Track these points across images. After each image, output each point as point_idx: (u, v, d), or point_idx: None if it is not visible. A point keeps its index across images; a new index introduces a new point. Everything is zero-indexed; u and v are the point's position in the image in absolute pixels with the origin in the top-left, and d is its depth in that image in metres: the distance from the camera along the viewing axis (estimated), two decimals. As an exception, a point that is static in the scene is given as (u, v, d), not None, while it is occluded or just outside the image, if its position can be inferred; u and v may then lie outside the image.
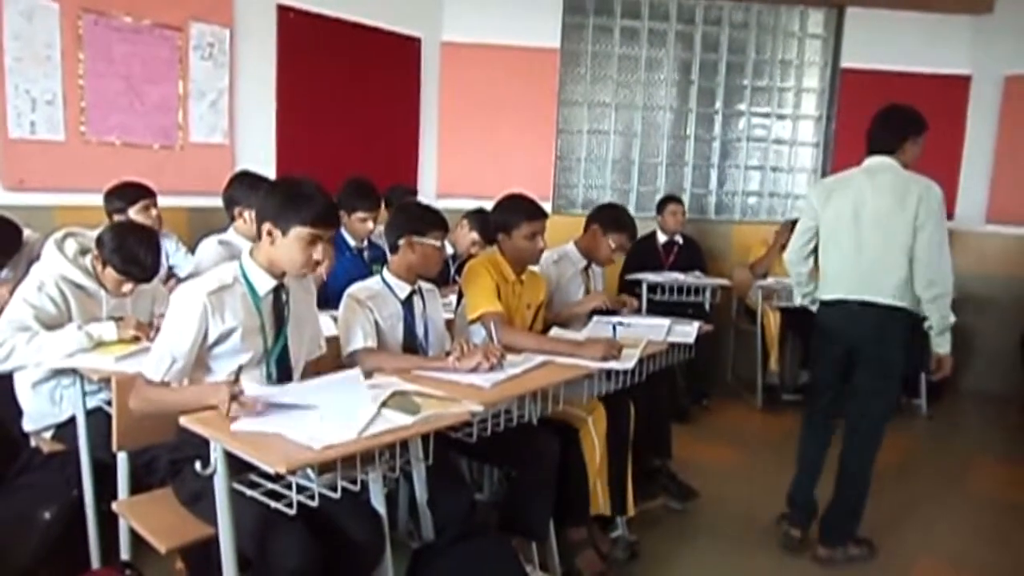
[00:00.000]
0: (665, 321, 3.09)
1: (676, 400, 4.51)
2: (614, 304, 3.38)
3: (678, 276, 4.80)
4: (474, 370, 2.20)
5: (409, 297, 2.49)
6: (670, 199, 5.11)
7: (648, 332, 2.93)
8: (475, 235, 3.74)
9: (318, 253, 1.96)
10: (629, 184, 5.65)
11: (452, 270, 3.85)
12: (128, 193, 3.18)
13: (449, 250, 3.85)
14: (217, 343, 1.93)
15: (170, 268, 3.51)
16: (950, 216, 5.29)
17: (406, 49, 5.04)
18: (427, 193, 5.25)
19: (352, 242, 3.49)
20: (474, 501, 2.26)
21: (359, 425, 1.67)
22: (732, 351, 5.43)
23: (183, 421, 1.70)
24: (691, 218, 5.37)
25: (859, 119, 5.62)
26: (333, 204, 2.00)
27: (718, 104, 5.60)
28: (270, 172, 4.31)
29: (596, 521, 2.79)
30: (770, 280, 4.93)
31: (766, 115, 5.66)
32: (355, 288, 2.43)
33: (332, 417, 1.71)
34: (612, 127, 5.55)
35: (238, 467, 1.66)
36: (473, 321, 2.66)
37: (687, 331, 3.02)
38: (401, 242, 2.47)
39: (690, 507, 3.24)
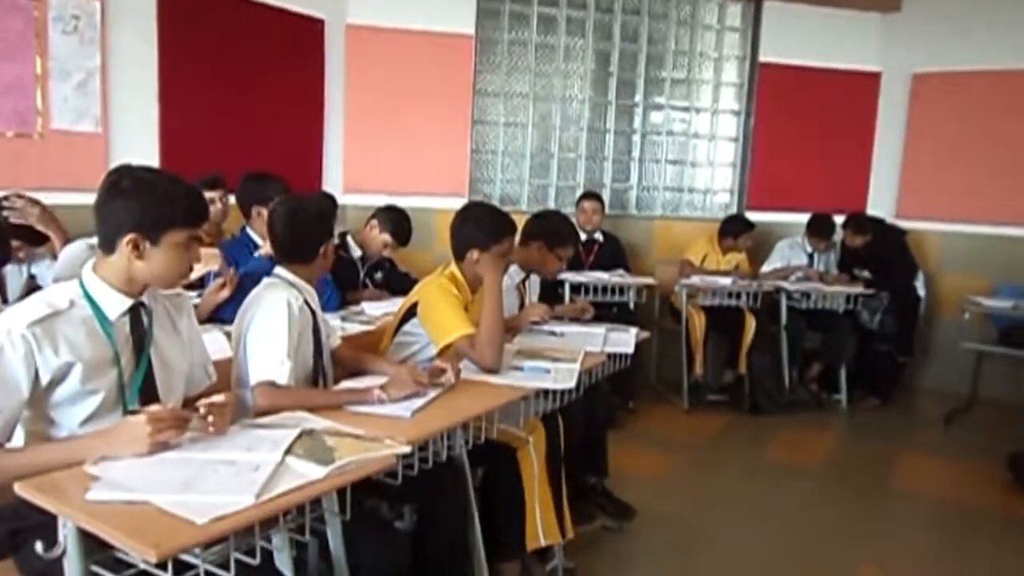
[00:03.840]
0: (600, 329, 2.86)
1: (609, 407, 4.31)
2: (572, 313, 3.13)
3: (601, 275, 4.60)
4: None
5: (315, 308, 2.14)
6: (585, 196, 4.91)
7: (584, 342, 2.68)
8: (387, 236, 3.39)
9: (195, 256, 1.64)
10: (548, 179, 5.41)
11: (362, 274, 3.48)
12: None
13: (356, 252, 3.50)
14: (52, 385, 1.52)
15: (31, 277, 3.00)
16: (862, 211, 5.34)
17: (308, 31, 4.61)
18: (334, 187, 4.84)
19: (260, 241, 3.06)
20: (407, 549, 1.93)
21: (258, 483, 1.32)
22: (656, 351, 5.28)
23: (19, 489, 1.31)
24: (612, 214, 5.19)
25: (777, 113, 5.67)
26: (198, 193, 1.67)
27: (638, 97, 5.44)
28: (152, 165, 3.82)
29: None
30: (694, 279, 4.81)
31: (685, 109, 5.54)
32: (278, 290, 2.04)
33: (221, 473, 1.36)
34: (530, 119, 5.29)
35: (97, 543, 1.28)
36: (446, 348, 2.32)
37: (625, 339, 2.79)
38: (321, 249, 2.14)
39: (628, 526, 3.02)
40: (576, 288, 4.49)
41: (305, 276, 2.12)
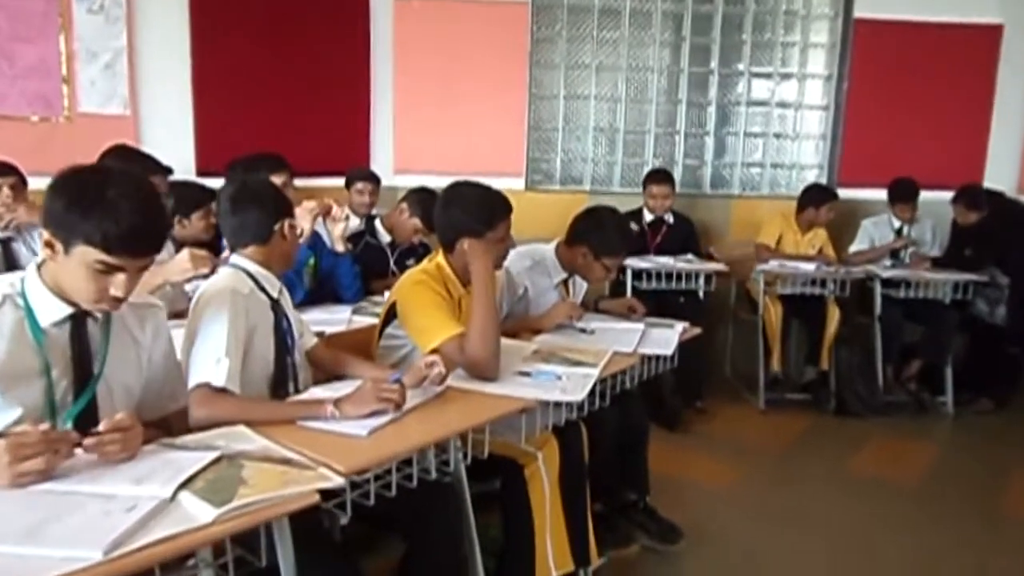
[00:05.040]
0: (639, 325, 2.48)
1: (663, 403, 3.91)
2: (619, 309, 2.76)
3: (667, 261, 4.17)
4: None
5: (277, 298, 1.88)
6: (655, 178, 4.44)
7: (616, 340, 2.32)
8: (416, 221, 3.11)
9: (116, 287, 1.36)
10: (614, 156, 5.00)
11: (392, 261, 3.23)
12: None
13: (386, 238, 3.24)
14: None
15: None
16: (977, 182, 4.64)
17: (352, 4, 4.39)
18: (383, 169, 4.60)
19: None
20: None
21: (112, 533, 1.06)
22: (731, 343, 4.81)
23: None
24: (684, 192, 4.72)
25: (875, 77, 5.02)
26: (146, 225, 1.36)
27: (713, 64, 4.92)
28: (186, 150, 3.71)
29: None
30: (772, 264, 4.30)
31: (768, 75, 4.98)
32: (224, 279, 1.81)
33: (85, 514, 1.11)
34: (593, 91, 4.88)
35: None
36: (433, 351, 2.02)
37: (666, 337, 2.41)
38: (276, 227, 1.88)
39: (675, 550, 2.64)
40: (638, 275, 4.09)
41: (263, 261, 1.87)
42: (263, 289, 1.86)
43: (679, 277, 4.08)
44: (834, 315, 4.24)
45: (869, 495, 3.27)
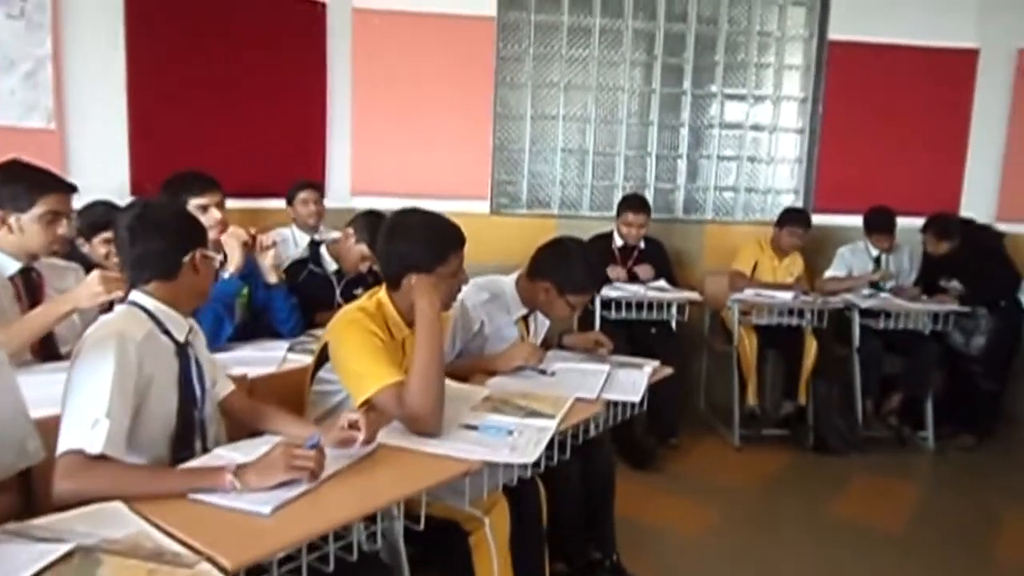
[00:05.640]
0: (604, 367, 2.24)
1: (635, 441, 3.68)
2: (584, 344, 2.52)
3: (638, 289, 3.96)
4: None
5: (185, 341, 1.62)
6: (631, 205, 4.21)
7: (579, 385, 2.08)
8: (364, 247, 2.85)
9: None
10: (583, 179, 4.80)
11: (338, 291, 2.96)
12: None
13: (332, 266, 2.98)
14: None
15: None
16: (946, 212, 4.50)
17: (307, 15, 4.15)
18: (339, 191, 4.38)
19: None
20: None
21: None
22: (705, 376, 4.61)
23: None
24: (656, 218, 4.51)
25: (851, 100, 4.89)
26: None
27: (686, 84, 4.76)
28: (119, 167, 3.43)
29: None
30: (748, 292, 4.11)
31: (742, 97, 4.83)
32: (113, 321, 1.55)
33: None
34: (561, 111, 4.69)
35: None
36: (364, 403, 1.76)
37: (634, 380, 2.18)
38: (186, 259, 1.62)
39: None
40: (607, 304, 3.87)
41: (168, 299, 1.61)
42: (167, 332, 1.59)
43: (650, 307, 3.87)
44: (812, 346, 4.05)
45: (850, 543, 3.05)
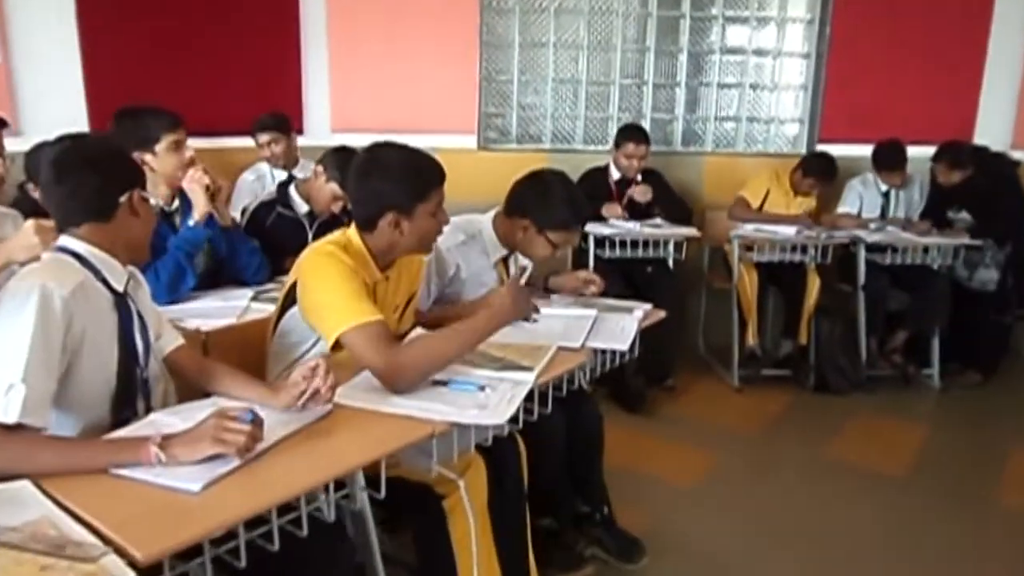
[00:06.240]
0: (591, 312, 2.07)
1: (625, 383, 3.55)
2: (572, 285, 2.34)
3: (632, 226, 3.76)
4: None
5: (124, 291, 1.45)
6: (631, 135, 3.91)
7: (563, 332, 1.91)
8: (335, 186, 2.65)
9: None
10: (576, 110, 4.54)
11: (310, 234, 2.77)
12: None
13: (303, 208, 2.79)
14: None
15: None
16: (959, 139, 4.26)
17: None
18: (318, 128, 4.16)
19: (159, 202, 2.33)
20: None
21: None
22: (704, 315, 4.45)
23: None
24: (653, 151, 4.25)
25: (860, 22, 4.58)
26: None
27: (685, 7, 4.45)
28: (75, 102, 3.20)
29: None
30: (748, 228, 3.92)
31: (744, 20, 4.53)
32: (35, 271, 1.37)
33: None
34: (552, 38, 4.40)
35: None
36: (335, 346, 1.62)
37: (623, 326, 2.01)
38: (123, 198, 1.44)
39: (636, 569, 2.28)
40: (600, 242, 3.69)
41: (104, 243, 1.43)
42: (103, 280, 1.42)
43: (646, 244, 3.68)
44: (814, 284, 3.89)
45: (852, 487, 2.95)
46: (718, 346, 4.23)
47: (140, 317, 1.49)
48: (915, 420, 3.68)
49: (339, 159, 2.68)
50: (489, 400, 1.48)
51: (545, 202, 2.11)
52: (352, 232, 1.79)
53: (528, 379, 1.59)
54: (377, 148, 1.80)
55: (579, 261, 3.88)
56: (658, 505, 2.74)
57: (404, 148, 1.80)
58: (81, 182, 1.42)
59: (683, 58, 4.53)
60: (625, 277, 3.75)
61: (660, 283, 3.77)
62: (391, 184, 1.72)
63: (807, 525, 2.66)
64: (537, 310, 1.82)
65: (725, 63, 4.58)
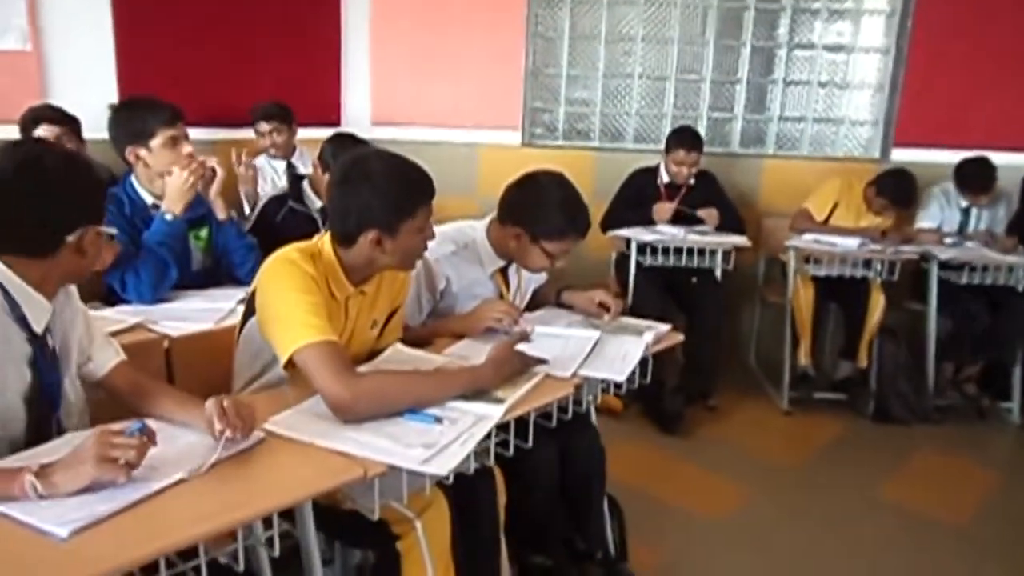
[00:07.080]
0: (593, 333, 1.86)
1: (661, 400, 3.32)
2: (585, 305, 2.11)
3: (676, 232, 3.51)
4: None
5: (44, 331, 1.31)
6: (683, 142, 3.63)
7: (557, 356, 1.71)
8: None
9: None
10: (627, 106, 4.30)
11: (322, 231, 2.65)
12: None
13: (316, 203, 2.68)
14: None
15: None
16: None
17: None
18: (358, 121, 4.06)
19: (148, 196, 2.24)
20: None
21: None
22: (757, 330, 4.15)
23: None
24: (708, 152, 3.98)
25: (945, 15, 4.17)
26: None
27: (748, -2, 4.15)
28: (106, 96, 3.17)
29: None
30: (806, 237, 3.61)
31: (816, 12, 4.18)
32: None
33: None
34: (603, 30, 4.17)
35: None
36: (289, 361, 1.47)
37: (625, 352, 1.79)
38: (70, 238, 1.27)
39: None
40: (642, 249, 3.45)
41: (34, 278, 1.26)
42: (23, 319, 1.25)
43: (691, 252, 3.43)
44: (878, 301, 3.54)
45: (902, 535, 2.63)
46: (771, 364, 3.92)
47: (39, 350, 1.28)
48: (986, 460, 3.30)
49: (334, 147, 2.56)
50: (442, 437, 1.30)
51: (538, 208, 1.91)
52: (326, 241, 1.65)
53: (495, 413, 1.40)
54: (361, 156, 1.65)
55: (620, 267, 3.67)
56: (680, 538, 2.51)
57: (393, 157, 1.64)
58: (26, 211, 1.22)
59: (746, 52, 4.22)
60: (667, 286, 3.53)
61: (704, 295, 3.52)
62: (376, 198, 1.55)
63: (844, 574, 2.38)
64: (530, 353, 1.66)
65: (793, 59, 4.24)
